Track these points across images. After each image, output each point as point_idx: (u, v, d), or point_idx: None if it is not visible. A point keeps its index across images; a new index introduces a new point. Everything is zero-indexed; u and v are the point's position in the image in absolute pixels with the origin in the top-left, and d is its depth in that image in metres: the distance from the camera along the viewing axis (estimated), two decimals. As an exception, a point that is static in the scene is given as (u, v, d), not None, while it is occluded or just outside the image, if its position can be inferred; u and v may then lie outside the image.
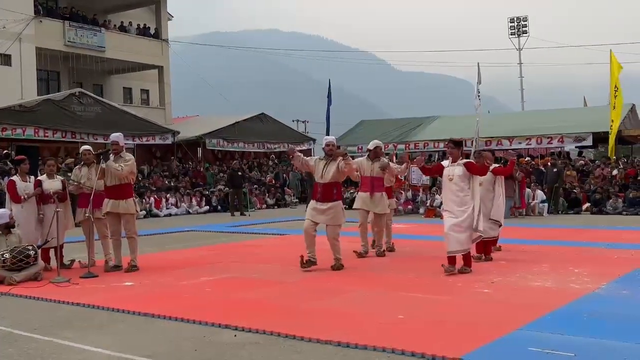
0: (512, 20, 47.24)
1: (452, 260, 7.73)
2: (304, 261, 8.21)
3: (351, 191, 22.34)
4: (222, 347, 4.82)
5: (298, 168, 9.06)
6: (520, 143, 25.42)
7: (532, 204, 18.12)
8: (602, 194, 18.97)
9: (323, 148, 8.54)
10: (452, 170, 7.75)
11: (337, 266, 8.25)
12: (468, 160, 7.91)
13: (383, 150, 9.74)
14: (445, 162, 7.87)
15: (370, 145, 9.53)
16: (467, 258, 7.80)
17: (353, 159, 8.88)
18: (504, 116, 33.73)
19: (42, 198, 8.78)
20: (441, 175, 8.03)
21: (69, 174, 9.94)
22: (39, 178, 9.04)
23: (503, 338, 4.84)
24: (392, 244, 10.04)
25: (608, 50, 23.99)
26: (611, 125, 22.76)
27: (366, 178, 9.36)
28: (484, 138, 23.97)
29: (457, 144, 7.90)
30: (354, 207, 9.69)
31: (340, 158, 8.21)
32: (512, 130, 25.94)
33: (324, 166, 8.29)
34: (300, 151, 9.46)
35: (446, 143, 8.07)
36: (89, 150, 9.12)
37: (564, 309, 5.78)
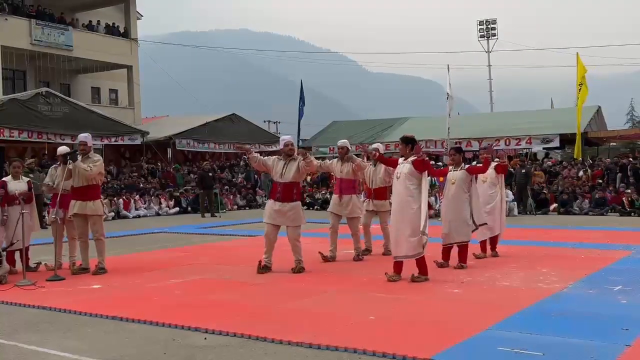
0: (481, 23, 47.81)
1: (398, 265, 7.40)
2: (261, 266, 8.12)
3: (323, 192, 22.38)
4: (192, 350, 4.77)
5: (255, 168, 8.90)
6: (489, 144, 25.71)
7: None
8: (569, 195, 19.30)
9: (282, 148, 8.34)
10: (401, 168, 7.39)
11: (298, 269, 8.14)
12: (417, 159, 7.31)
13: (351, 149, 9.61)
14: (400, 159, 7.58)
15: (338, 144, 9.46)
16: (422, 265, 7.35)
17: (323, 160, 8.80)
18: (474, 117, 34.17)
19: (7, 199, 8.59)
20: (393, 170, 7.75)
21: (31, 175, 9.75)
22: (3, 179, 8.84)
23: (473, 338, 4.87)
24: (389, 247, 9.71)
25: (575, 53, 24.45)
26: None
27: (337, 179, 9.30)
28: (453, 139, 24.20)
29: (408, 140, 7.51)
30: (328, 209, 9.56)
31: (300, 157, 8.13)
32: (481, 132, 26.27)
33: (284, 166, 8.16)
34: (271, 152, 9.37)
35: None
36: (62, 152, 8.90)
37: (532, 309, 5.85)
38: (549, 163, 24.33)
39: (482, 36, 47.43)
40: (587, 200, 18.82)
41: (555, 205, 19.30)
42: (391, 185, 9.95)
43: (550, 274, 7.71)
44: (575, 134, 23.57)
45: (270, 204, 8.30)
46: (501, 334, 4.96)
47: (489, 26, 47.41)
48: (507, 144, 25.57)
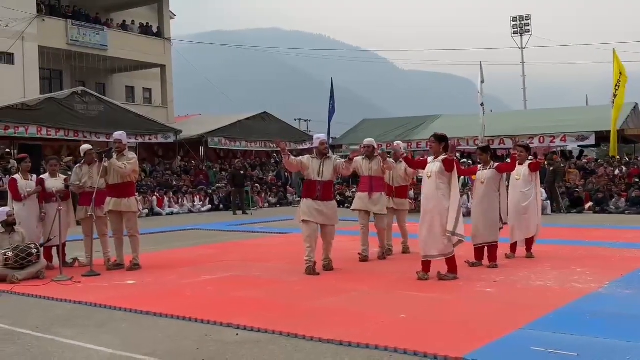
0: (514, 19, 47.19)
1: (426, 265, 7.36)
2: (312, 269, 7.87)
3: (353, 190, 22.37)
4: (224, 346, 4.82)
5: (291, 170, 8.76)
6: (522, 141, 25.35)
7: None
8: (605, 194, 18.94)
9: (316, 147, 8.27)
10: (432, 166, 7.33)
11: (329, 267, 8.14)
12: (447, 158, 7.21)
13: (377, 148, 9.49)
14: (430, 158, 7.52)
15: (364, 143, 9.38)
16: (451, 263, 7.33)
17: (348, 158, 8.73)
18: (507, 115, 33.69)
19: (45, 196, 8.80)
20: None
21: (69, 173, 9.93)
22: (41, 177, 9.05)
23: (505, 337, 4.82)
24: (407, 246, 9.69)
25: (611, 49, 23.98)
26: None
27: (365, 177, 9.10)
28: (486, 137, 23.92)
29: (440, 138, 7.46)
30: (352, 207, 9.40)
31: (337, 157, 8.11)
32: (514, 129, 25.89)
33: (320, 164, 8.11)
34: (302, 150, 9.33)
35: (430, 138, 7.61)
36: (90, 149, 9.07)
37: (566, 309, 5.77)
38: (584, 161, 23.91)
39: (515, 32, 46.83)
40: (623, 199, 18.45)
41: (590, 204, 18.96)
42: (410, 184, 10.00)
43: (585, 273, 7.59)
44: (610, 131, 23.11)
45: (309, 203, 8.06)
46: (534, 334, 4.90)
47: (522, 22, 46.78)
48: (542, 141, 25.16)
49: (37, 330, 5.42)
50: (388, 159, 9.11)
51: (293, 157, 8.25)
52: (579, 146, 26.36)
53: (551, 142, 25.30)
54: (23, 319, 5.89)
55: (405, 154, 8.49)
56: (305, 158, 8.34)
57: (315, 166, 8.13)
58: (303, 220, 8.06)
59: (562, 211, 18.33)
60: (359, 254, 9.05)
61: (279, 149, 8.25)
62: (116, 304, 6.28)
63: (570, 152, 27.44)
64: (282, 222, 16.43)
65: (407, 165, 9.11)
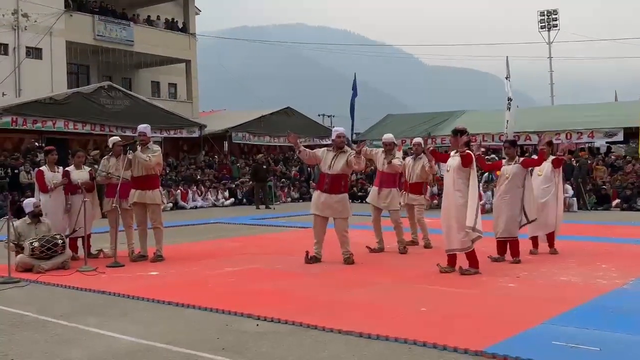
0: (542, 14, 46.55)
1: (451, 258, 7.35)
2: (309, 257, 8.17)
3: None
4: (244, 336, 4.85)
5: (306, 162, 8.87)
6: (549, 138, 25.03)
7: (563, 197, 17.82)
8: (633, 191, 18.63)
9: (333, 139, 8.31)
10: (452, 161, 7.32)
11: (350, 260, 8.14)
12: (464, 153, 7.15)
13: (398, 144, 9.51)
14: (452, 153, 7.50)
15: (384, 139, 9.35)
16: (472, 258, 7.29)
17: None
18: (533, 110, 33.29)
19: (70, 188, 8.93)
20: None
21: (96, 166, 10.07)
22: (67, 169, 9.18)
23: (527, 332, 4.78)
24: (430, 241, 9.62)
25: (640, 44, 23.52)
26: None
27: (378, 172, 9.24)
28: (514, 133, 23.66)
29: (458, 132, 7.37)
30: (366, 200, 9.51)
31: (352, 152, 8.09)
32: (541, 125, 25.59)
33: (333, 157, 8.14)
34: (325, 145, 9.31)
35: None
36: (119, 142, 9.19)
37: (590, 304, 5.70)
38: (612, 158, 23.53)
39: (542, 27, 46.20)
40: (651, 196, 18.12)
41: (617, 201, 18.67)
42: (428, 181, 9.99)
43: (610, 270, 7.48)
44: (639, 127, 22.68)
45: (317, 195, 8.28)
46: (556, 329, 4.84)
47: (550, 17, 46.11)
48: (569, 137, 24.78)
49: (61, 319, 5.51)
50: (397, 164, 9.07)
51: (307, 150, 8.32)
52: (606, 142, 25.93)
53: (578, 138, 24.92)
54: (48, 307, 5.99)
55: (430, 148, 8.44)
56: (320, 151, 8.41)
57: (328, 159, 8.17)
58: (313, 214, 8.25)
59: (587, 208, 18.08)
60: (366, 246, 9.12)
61: (288, 137, 8.39)
62: (138, 293, 6.36)
63: (598, 148, 27.02)
64: (305, 216, 16.41)
65: (425, 162, 9.15)
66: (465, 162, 7.13)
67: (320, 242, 8.28)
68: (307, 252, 8.24)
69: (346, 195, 8.36)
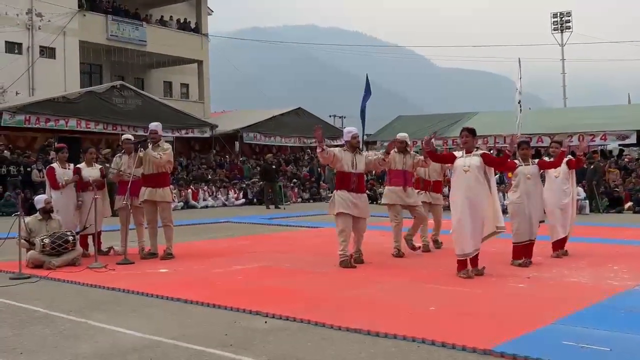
0: (555, 16, 46.30)
1: (465, 262, 7.15)
2: (351, 261, 7.92)
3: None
4: (252, 333, 4.85)
5: (324, 162, 8.68)
6: (583, 137, 24.85)
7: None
8: (646, 193, 18.47)
9: (348, 140, 8.20)
10: (469, 161, 7.16)
11: (360, 260, 8.11)
12: (485, 151, 7.29)
13: (409, 143, 9.38)
14: (458, 153, 7.37)
15: (398, 138, 9.26)
16: (473, 258, 7.16)
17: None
18: (546, 112, 33.13)
19: (81, 185, 8.98)
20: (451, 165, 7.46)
21: (107, 165, 10.13)
22: (78, 166, 9.23)
23: (536, 331, 4.74)
24: (440, 240, 9.62)
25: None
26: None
27: (399, 171, 8.94)
28: (525, 135, 23.55)
29: (473, 132, 7.31)
30: (384, 202, 9.17)
31: (368, 152, 8.08)
32: (553, 127, 25.42)
33: (353, 157, 8.07)
34: (336, 146, 9.22)
35: (461, 131, 7.42)
36: (130, 139, 9.22)
37: (600, 304, 5.64)
38: (625, 160, 23.34)
39: (555, 29, 45.94)
40: (664, 199, 17.96)
41: (630, 203, 18.51)
42: (440, 180, 9.83)
43: (622, 271, 7.41)
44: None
45: (344, 195, 7.97)
46: (566, 329, 4.80)
47: (563, 18, 45.86)
48: (581, 140, 24.60)
49: (70, 314, 5.53)
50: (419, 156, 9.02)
51: (329, 150, 8.17)
52: (619, 145, 25.72)
53: (591, 140, 24.72)
54: (58, 303, 6.02)
55: (430, 149, 8.18)
56: (337, 150, 8.25)
57: (348, 158, 8.07)
58: (338, 213, 7.98)
59: (600, 211, 17.95)
60: (395, 248, 8.83)
61: (314, 140, 8.19)
62: (147, 290, 6.38)
63: (610, 151, 26.82)
64: (314, 216, 16.46)
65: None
66: (492, 162, 7.18)
67: (349, 242, 8.08)
68: (349, 257, 7.92)
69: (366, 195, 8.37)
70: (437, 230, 9.71)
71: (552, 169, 8.63)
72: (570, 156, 9.06)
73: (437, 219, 9.69)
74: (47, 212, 8.38)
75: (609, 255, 8.79)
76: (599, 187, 18.69)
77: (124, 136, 9.41)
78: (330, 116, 43.28)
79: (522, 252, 7.97)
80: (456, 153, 7.42)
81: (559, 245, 8.75)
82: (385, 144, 25.42)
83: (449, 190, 7.56)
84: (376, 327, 4.80)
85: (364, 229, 8.22)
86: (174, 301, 6.00)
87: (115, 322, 5.19)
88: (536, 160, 8.30)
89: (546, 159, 8.93)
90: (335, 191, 8.22)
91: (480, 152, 7.25)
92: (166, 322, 5.23)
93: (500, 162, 7.42)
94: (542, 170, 8.33)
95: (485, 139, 23.54)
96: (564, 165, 8.74)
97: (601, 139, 24.45)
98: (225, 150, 27.75)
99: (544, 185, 8.66)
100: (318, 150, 8.04)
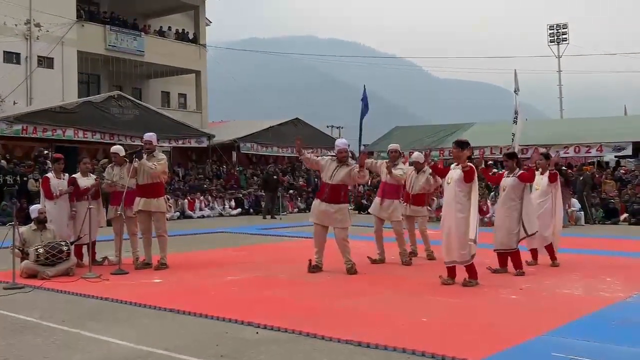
0: (551, 28, 46.56)
1: (451, 270, 7.31)
2: (312, 265, 8.19)
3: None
4: (243, 343, 4.86)
5: (308, 167, 9.02)
6: (557, 151, 24.97)
7: (569, 211, 17.76)
8: (641, 204, 18.50)
9: (335, 154, 8.32)
10: (452, 174, 7.30)
11: (353, 270, 8.13)
12: (466, 169, 7.15)
13: (405, 155, 9.53)
14: (453, 166, 7.48)
15: (390, 148, 9.34)
16: (471, 269, 7.25)
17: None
18: (542, 123, 33.20)
19: (76, 195, 9.00)
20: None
21: (104, 174, 10.13)
22: (73, 176, 9.25)
23: (526, 342, 4.76)
24: (432, 252, 9.59)
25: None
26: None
27: (382, 183, 9.23)
28: (521, 145, 23.61)
29: (462, 144, 7.36)
30: (369, 210, 9.52)
31: (355, 166, 8.14)
32: (550, 138, 25.50)
33: (336, 168, 8.17)
34: (333, 156, 9.28)
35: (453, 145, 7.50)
36: (118, 153, 9.22)
37: (591, 316, 5.67)
38: (621, 171, 23.40)
39: (552, 41, 46.20)
40: (660, 211, 17.99)
41: (625, 215, 18.55)
42: (430, 193, 9.98)
43: (615, 283, 7.44)
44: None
45: (316, 203, 8.32)
46: (557, 340, 4.82)
47: (559, 30, 46.13)
48: (577, 151, 24.71)
49: (63, 324, 5.54)
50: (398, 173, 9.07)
51: (310, 156, 8.37)
52: (615, 156, 25.79)
53: (587, 151, 24.81)
54: (51, 313, 6.03)
55: (432, 162, 8.36)
56: (323, 159, 8.40)
57: (330, 169, 8.22)
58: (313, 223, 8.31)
59: (591, 222, 18.03)
60: (367, 257, 9.09)
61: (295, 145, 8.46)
62: (141, 300, 6.39)
63: (607, 162, 26.89)
64: (310, 226, 16.42)
65: (429, 175, 9.14)
66: (468, 177, 7.11)
67: (321, 251, 8.31)
68: (310, 261, 8.25)
69: (346, 205, 8.40)
70: (426, 243, 9.67)
71: (534, 182, 8.74)
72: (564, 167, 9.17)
73: (422, 231, 9.69)
74: (41, 221, 8.39)
75: (603, 266, 8.81)
76: (589, 198, 18.71)
77: (113, 148, 9.39)
78: (327, 126, 43.32)
79: (504, 260, 8.16)
80: (452, 165, 7.54)
81: (534, 255, 8.92)
82: (382, 154, 25.57)
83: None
84: (367, 338, 4.81)
85: (341, 237, 8.25)
86: (167, 311, 6.01)
87: (109, 333, 5.20)
88: (519, 172, 8.26)
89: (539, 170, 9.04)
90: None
91: (461, 166, 7.22)
92: (159, 333, 5.24)
93: (467, 174, 7.12)
94: (524, 183, 8.39)
95: (482, 150, 23.60)
96: (545, 179, 8.85)
97: (597, 150, 24.51)
98: (222, 160, 27.79)
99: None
100: (300, 155, 8.46)
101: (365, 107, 29.41)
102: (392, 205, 9.06)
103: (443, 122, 36.67)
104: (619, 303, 6.28)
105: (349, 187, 8.76)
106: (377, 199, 9.28)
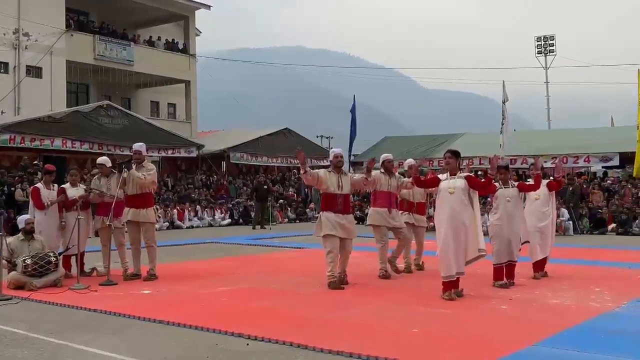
0: (539, 39, 46.99)
1: (450, 284, 7.10)
2: (336, 281, 7.84)
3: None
4: (234, 355, 4.83)
5: (309, 184, 8.71)
6: (545, 162, 25.11)
7: (558, 221, 17.85)
8: (629, 215, 18.65)
9: (331, 160, 8.28)
10: (453, 183, 7.20)
11: (345, 281, 8.10)
12: (469, 174, 7.34)
13: (394, 163, 9.43)
14: (442, 175, 7.41)
15: (383, 157, 9.30)
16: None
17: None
18: (530, 134, 33.43)
19: (65, 205, 8.94)
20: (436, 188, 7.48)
21: (91, 186, 10.07)
22: (62, 186, 9.20)
23: (517, 353, 4.76)
24: (422, 262, 9.64)
25: (637, 70, 23.68)
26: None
27: (384, 193, 8.93)
28: (509, 156, 23.75)
29: (456, 154, 7.39)
30: (371, 223, 9.10)
31: (353, 173, 8.17)
32: (538, 149, 25.68)
33: (339, 178, 8.10)
34: (323, 167, 9.29)
35: (445, 154, 7.48)
36: (104, 164, 9.13)
37: (581, 326, 5.69)
38: (609, 182, 23.59)
39: (539, 52, 46.61)
40: (647, 221, 18.14)
41: (613, 225, 18.68)
42: (424, 202, 9.89)
43: (604, 293, 7.47)
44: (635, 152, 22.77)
45: (331, 216, 7.96)
46: (547, 350, 4.83)
47: (547, 42, 46.56)
48: (565, 162, 24.89)
49: (51, 336, 5.49)
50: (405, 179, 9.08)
51: (313, 172, 8.19)
52: (603, 167, 26.01)
53: (575, 162, 25.02)
54: (39, 324, 5.97)
55: (415, 174, 8.22)
56: (322, 172, 8.29)
57: (333, 180, 8.10)
58: (325, 235, 7.95)
59: (579, 232, 18.16)
60: (381, 269, 8.81)
61: (298, 162, 8.17)
62: (130, 312, 6.34)
63: (594, 173, 27.10)
64: (301, 237, 16.43)
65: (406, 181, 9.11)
66: (476, 184, 7.20)
67: (337, 263, 8.04)
68: (335, 278, 7.87)
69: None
70: (419, 253, 9.69)
71: (534, 192, 8.74)
72: (551, 178, 9.20)
73: (420, 241, 9.68)
74: (28, 232, 8.32)
75: (591, 277, 8.85)
76: (577, 208, 18.83)
77: (99, 160, 9.31)
78: (317, 137, 43.35)
79: (503, 273, 8.07)
80: (440, 175, 7.46)
81: (539, 267, 8.82)
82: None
83: (434, 211, 7.60)
84: (359, 349, 4.80)
85: (350, 249, 8.22)
86: (156, 323, 5.96)
87: (97, 344, 5.15)
88: (516, 183, 8.38)
89: (530, 181, 9.03)
90: (321, 212, 8.20)
91: (464, 174, 7.30)
92: (148, 344, 5.20)
93: (484, 185, 7.40)
94: (522, 192, 8.42)
95: (470, 160, 23.71)
96: (544, 188, 8.86)
97: (585, 161, 24.74)
98: (211, 170, 27.73)
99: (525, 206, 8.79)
100: (301, 172, 8.05)
101: (354, 118, 29.53)
102: (398, 214, 9.07)
103: (432, 131, 36.84)
104: (608, 313, 6.30)
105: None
106: (382, 210, 8.90)
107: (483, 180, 7.42)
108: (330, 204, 8.06)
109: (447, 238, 7.02)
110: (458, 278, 7.14)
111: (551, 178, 9.26)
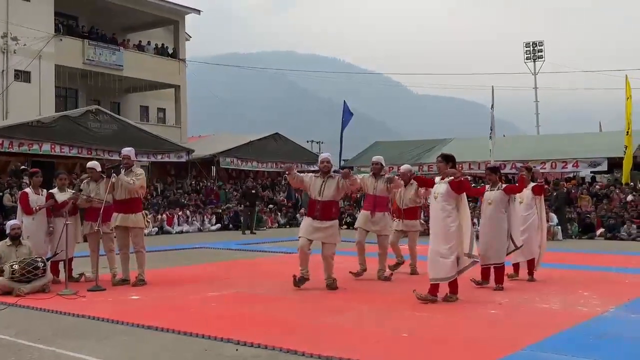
0: (527, 45, 47.31)
1: (434, 288, 7.15)
2: (297, 279, 8.10)
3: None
4: (223, 360, 4.81)
5: (293, 186, 8.88)
6: (534, 167, 25.25)
7: (547, 226, 17.91)
8: (617, 220, 18.77)
9: (318, 165, 8.35)
10: (438, 188, 7.26)
11: (333, 286, 8.10)
12: (454, 180, 7.18)
13: (384, 166, 9.46)
14: (437, 179, 7.45)
15: (373, 160, 9.35)
16: (453, 285, 7.22)
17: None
18: (519, 139, 33.65)
19: (55, 208, 8.88)
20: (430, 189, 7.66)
21: (81, 190, 9.98)
22: (50, 191, 9.14)
23: (506, 358, 4.78)
24: (415, 267, 9.61)
25: (624, 76, 23.93)
26: (625, 151, 22.65)
27: (370, 196, 9.07)
28: (498, 161, 23.87)
29: (447, 158, 7.40)
30: (355, 225, 9.34)
31: (340, 176, 8.15)
32: (526, 154, 25.82)
33: (322, 184, 8.14)
34: (313, 172, 9.31)
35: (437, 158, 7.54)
36: (94, 168, 9.13)
37: (570, 331, 5.71)
38: (597, 187, 23.76)
39: (528, 58, 46.93)
40: (635, 226, 18.27)
41: (601, 230, 18.80)
42: (421, 206, 9.96)
43: (592, 297, 7.52)
44: (623, 157, 22.98)
45: (308, 221, 8.17)
46: (536, 355, 4.86)
47: (535, 48, 46.88)
48: (554, 167, 25.07)
49: (39, 342, 5.44)
50: (396, 177, 9.12)
51: (298, 174, 8.32)
52: (591, 172, 26.18)
53: (563, 167, 25.17)
54: (26, 330, 5.92)
55: (415, 174, 8.46)
56: (307, 177, 8.34)
57: (317, 185, 8.16)
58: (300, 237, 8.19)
59: (569, 237, 18.26)
60: (350, 272, 9.01)
61: (284, 168, 8.37)
62: (118, 317, 6.30)
63: (583, 178, 27.28)
64: (291, 242, 16.39)
65: (418, 186, 9.14)
66: (458, 189, 7.12)
67: (306, 264, 8.14)
68: (295, 276, 8.13)
69: (337, 221, 8.34)
70: (412, 258, 9.66)
71: (518, 195, 8.75)
72: (541, 181, 9.28)
73: (411, 247, 9.67)
74: (14, 237, 8.25)
75: (579, 281, 8.89)
76: (562, 213, 18.91)
77: (89, 164, 9.26)
78: (307, 141, 43.36)
79: (488, 274, 8.19)
80: (436, 179, 7.51)
81: (516, 269, 8.98)
82: (362, 169, 25.54)
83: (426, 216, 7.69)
84: (348, 354, 4.80)
85: (328, 254, 8.19)
86: (145, 328, 5.93)
87: (85, 351, 5.12)
88: (503, 186, 8.41)
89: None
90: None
91: (449, 179, 7.25)
92: (136, 350, 5.17)
93: (457, 186, 7.15)
94: (508, 195, 8.45)
95: (460, 165, 23.79)
96: (529, 192, 8.91)
97: (573, 166, 24.89)
98: (201, 175, 27.64)
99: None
100: (288, 176, 8.32)
101: (346, 121, 29.58)
102: (384, 218, 9.00)
103: (422, 137, 36.96)
104: (597, 317, 6.34)
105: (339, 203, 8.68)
106: (365, 213, 9.07)
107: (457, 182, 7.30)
108: (310, 209, 8.31)
109: (431, 243, 7.17)
110: (438, 284, 7.13)
111: (538, 181, 9.34)
